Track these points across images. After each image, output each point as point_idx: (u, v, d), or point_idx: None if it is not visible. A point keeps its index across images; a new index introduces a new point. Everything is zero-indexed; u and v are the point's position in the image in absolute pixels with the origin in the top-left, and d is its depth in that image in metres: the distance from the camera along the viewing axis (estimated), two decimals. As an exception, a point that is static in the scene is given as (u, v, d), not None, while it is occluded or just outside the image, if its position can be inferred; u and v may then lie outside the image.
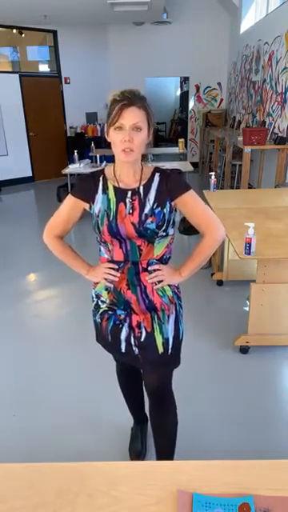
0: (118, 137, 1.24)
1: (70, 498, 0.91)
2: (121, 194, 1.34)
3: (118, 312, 1.47)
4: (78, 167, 5.80)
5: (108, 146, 1.33)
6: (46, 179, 8.35)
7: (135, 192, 1.34)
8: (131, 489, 0.92)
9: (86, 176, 1.41)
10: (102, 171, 1.40)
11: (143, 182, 1.35)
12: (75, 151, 6.19)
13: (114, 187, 1.35)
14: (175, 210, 1.39)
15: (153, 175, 1.36)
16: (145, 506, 0.89)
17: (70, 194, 1.42)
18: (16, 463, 1.01)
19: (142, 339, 1.45)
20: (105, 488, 0.93)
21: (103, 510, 0.88)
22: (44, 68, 8.63)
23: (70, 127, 8.71)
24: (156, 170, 1.38)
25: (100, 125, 8.67)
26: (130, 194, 1.34)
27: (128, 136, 1.23)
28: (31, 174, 8.41)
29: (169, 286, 1.46)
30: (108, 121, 1.26)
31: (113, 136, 1.26)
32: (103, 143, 7.35)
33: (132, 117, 1.22)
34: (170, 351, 1.47)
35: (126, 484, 0.94)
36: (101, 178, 1.37)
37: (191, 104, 9.27)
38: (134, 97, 1.23)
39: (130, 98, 1.22)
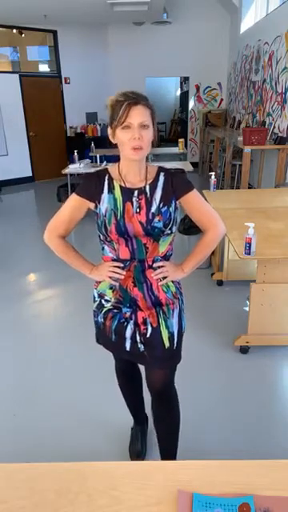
0: (126, 136, 1.26)
1: (70, 498, 0.90)
2: (127, 193, 1.36)
3: (124, 310, 1.48)
4: (78, 167, 5.80)
5: (111, 146, 1.34)
6: (46, 179, 8.35)
7: (141, 191, 1.36)
8: (131, 489, 0.92)
9: (90, 176, 1.42)
10: (106, 170, 1.40)
11: (149, 182, 1.37)
12: (75, 151, 6.19)
13: (121, 187, 1.36)
14: (177, 209, 1.42)
15: (158, 175, 1.38)
16: (145, 506, 0.89)
17: (74, 194, 1.42)
18: (16, 463, 1.01)
19: (148, 335, 1.46)
20: (105, 488, 0.92)
21: (103, 510, 0.88)
22: (44, 68, 8.63)
23: (70, 127, 8.71)
24: (160, 169, 1.40)
25: (100, 125, 8.67)
26: (136, 193, 1.36)
27: (137, 134, 1.24)
28: (31, 174, 8.41)
29: (172, 281, 1.48)
30: (114, 122, 1.26)
31: (121, 136, 1.27)
32: (103, 143, 7.36)
33: (139, 115, 1.24)
34: (175, 345, 1.49)
35: (126, 484, 0.94)
36: (106, 178, 1.38)
37: (191, 104, 9.27)
38: (138, 96, 1.26)
39: (134, 98, 1.24)
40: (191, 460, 1.00)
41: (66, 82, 8.42)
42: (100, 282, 1.50)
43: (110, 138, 1.32)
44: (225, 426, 2.09)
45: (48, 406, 2.26)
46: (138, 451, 1.90)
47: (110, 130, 1.31)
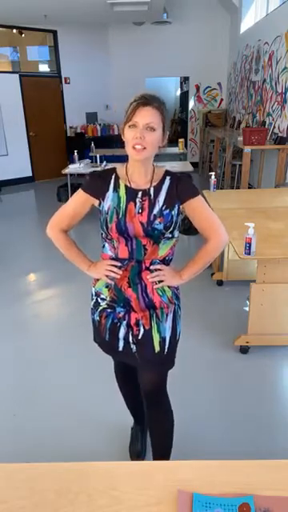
0: (130, 134, 1.28)
1: (70, 498, 0.90)
2: (131, 193, 1.36)
3: (118, 310, 1.48)
4: (77, 167, 5.80)
5: (122, 145, 1.35)
6: (46, 179, 8.35)
7: (145, 193, 1.36)
8: (131, 489, 0.92)
9: (98, 173, 1.44)
10: (113, 169, 1.42)
11: (154, 184, 1.37)
12: (75, 151, 6.19)
13: (126, 186, 1.37)
14: (182, 213, 1.41)
15: (164, 177, 1.39)
16: (145, 506, 0.88)
17: (80, 189, 1.44)
18: (16, 463, 1.01)
19: (140, 336, 1.46)
20: (105, 488, 0.92)
21: (103, 509, 0.88)
22: (44, 68, 8.64)
23: (70, 127, 8.71)
24: (167, 172, 1.41)
25: (100, 125, 8.67)
26: (140, 194, 1.36)
27: (140, 133, 1.26)
28: (31, 174, 8.41)
29: (169, 286, 1.47)
30: (124, 119, 1.29)
31: (126, 134, 1.29)
32: (103, 143, 7.36)
33: (146, 116, 1.26)
34: (166, 351, 1.48)
35: (126, 484, 0.94)
36: (113, 176, 1.40)
37: (191, 104, 9.27)
38: (152, 98, 1.28)
39: (147, 99, 1.27)
40: (191, 460, 1.00)
41: (66, 82, 8.42)
42: (98, 280, 1.51)
43: (122, 135, 1.34)
44: (225, 426, 2.09)
45: (48, 406, 2.26)
46: (137, 451, 1.90)
47: (121, 127, 1.33)
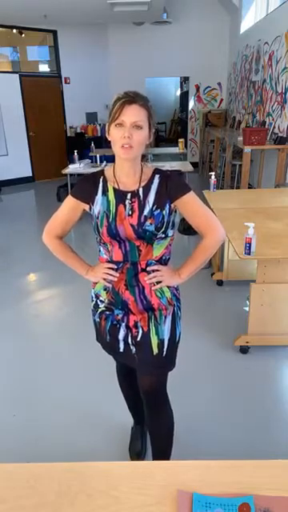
0: (118, 133, 1.25)
1: (69, 498, 0.90)
2: (120, 195, 1.34)
3: (116, 312, 1.47)
4: (78, 167, 5.80)
5: (109, 145, 1.33)
6: (46, 179, 8.35)
7: (135, 194, 1.34)
8: (131, 489, 0.92)
9: (86, 177, 1.42)
10: (101, 172, 1.39)
11: (143, 184, 1.34)
12: (75, 151, 6.19)
13: (114, 189, 1.35)
14: (175, 212, 1.39)
15: (153, 176, 1.36)
16: (145, 506, 0.88)
17: (69, 195, 1.42)
18: (16, 463, 1.01)
19: (139, 338, 1.45)
20: (105, 488, 0.92)
21: (103, 509, 0.88)
22: (44, 68, 8.64)
23: (70, 127, 8.71)
24: (156, 171, 1.37)
25: (100, 125, 8.68)
26: (129, 195, 1.34)
27: (128, 132, 1.23)
28: (31, 174, 8.41)
29: (168, 287, 1.45)
30: (109, 118, 1.26)
31: (113, 133, 1.26)
32: (103, 143, 7.36)
33: (133, 114, 1.23)
34: (164, 353, 1.47)
35: (126, 484, 0.94)
36: (101, 180, 1.37)
37: (191, 104, 9.27)
38: (137, 96, 1.25)
39: (132, 97, 1.24)
40: (191, 460, 1.00)
41: (66, 82, 8.42)
42: (97, 283, 1.50)
43: (106, 134, 1.31)
44: (225, 426, 2.09)
45: (48, 406, 2.26)
46: (138, 451, 1.90)
47: (107, 126, 1.30)
